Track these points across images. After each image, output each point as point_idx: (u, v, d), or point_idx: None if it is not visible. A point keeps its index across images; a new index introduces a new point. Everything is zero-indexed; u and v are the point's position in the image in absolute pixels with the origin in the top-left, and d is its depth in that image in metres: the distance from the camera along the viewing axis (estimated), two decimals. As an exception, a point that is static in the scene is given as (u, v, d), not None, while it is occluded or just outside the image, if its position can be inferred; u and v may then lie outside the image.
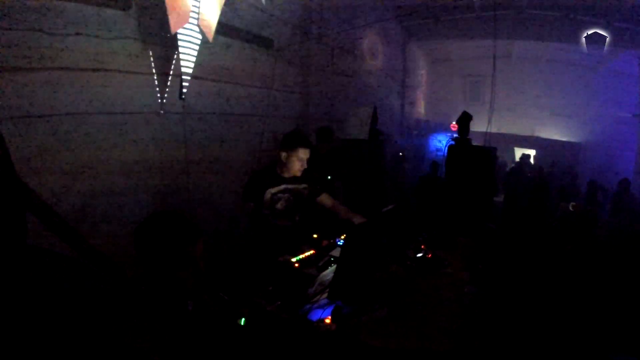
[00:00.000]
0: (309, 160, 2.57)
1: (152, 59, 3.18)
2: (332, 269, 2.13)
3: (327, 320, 1.67)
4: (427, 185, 6.29)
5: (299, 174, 2.57)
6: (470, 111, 4.70)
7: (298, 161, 2.51)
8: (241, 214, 2.61)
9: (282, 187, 2.57)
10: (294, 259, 2.32)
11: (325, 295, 1.82)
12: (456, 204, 4.45)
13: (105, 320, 1.33)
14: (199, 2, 3.07)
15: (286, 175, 2.57)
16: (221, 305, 1.63)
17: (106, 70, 2.85)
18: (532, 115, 12.65)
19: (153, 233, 1.25)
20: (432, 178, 6.36)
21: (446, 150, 4.71)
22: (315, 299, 1.83)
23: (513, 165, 10.53)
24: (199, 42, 3.22)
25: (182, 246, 1.25)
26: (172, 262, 1.24)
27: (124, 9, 2.94)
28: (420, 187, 6.45)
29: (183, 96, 3.28)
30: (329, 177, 4.16)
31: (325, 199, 2.73)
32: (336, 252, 2.39)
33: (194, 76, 3.29)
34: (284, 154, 2.52)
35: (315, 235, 2.71)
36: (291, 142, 2.52)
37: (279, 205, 2.56)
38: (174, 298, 1.29)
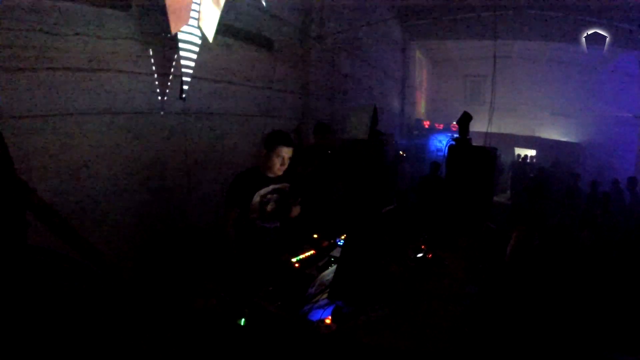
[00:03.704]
0: (290, 160, 2.46)
1: (152, 59, 3.18)
2: (332, 269, 2.13)
3: (328, 321, 1.67)
4: (428, 185, 6.29)
5: (280, 173, 2.47)
6: (470, 111, 4.70)
7: (277, 159, 2.40)
8: (224, 222, 2.36)
9: (271, 187, 2.46)
10: (294, 259, 2.32)
11: (326, 295, 1.82)
12: (456, 204, 4.45)
13: (107, 320, 1.33)
14: (199, 2, 3.07)
15: (271, 175, 2.46)
16: (221, 305, 1.63)
17: (106, 70, 2.85)
18: (532, 115, 12.67)
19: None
20: (433, 178, 6.36)
21: (446, 151, 4.71)
22: (315, 299, 1.83)
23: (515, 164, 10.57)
24: (199, 42, 3.22)
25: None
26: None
27: (124, 9, 2.94)
28: (421, 187, 6.45)
29: (183, 96, 3.28)
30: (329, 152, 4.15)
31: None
32: (336, 252, 2.40)
33: (194, 76, 3.29)
34: (264, 152, 2.44)
35: (315, 236, 2.71)
36: (271, 140, 2.43)
37: (268, 207, 2.46)
38: (175, 299, 1.29)
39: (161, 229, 3.35)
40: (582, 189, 7.03)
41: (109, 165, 2.92)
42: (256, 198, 2.40)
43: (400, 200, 5.11)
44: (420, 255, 2.53)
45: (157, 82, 3.24)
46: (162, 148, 3.36)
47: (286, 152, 2.41)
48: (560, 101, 12.10)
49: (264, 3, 3.84)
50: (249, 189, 2.39)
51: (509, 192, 9.79)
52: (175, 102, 3.36)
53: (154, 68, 3.20)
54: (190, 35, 3.13)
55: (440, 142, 10.19)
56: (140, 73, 3.11)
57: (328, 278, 1.98)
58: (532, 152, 12.35)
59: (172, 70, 3.29)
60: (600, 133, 11.05)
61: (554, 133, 12.44)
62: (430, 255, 2.53)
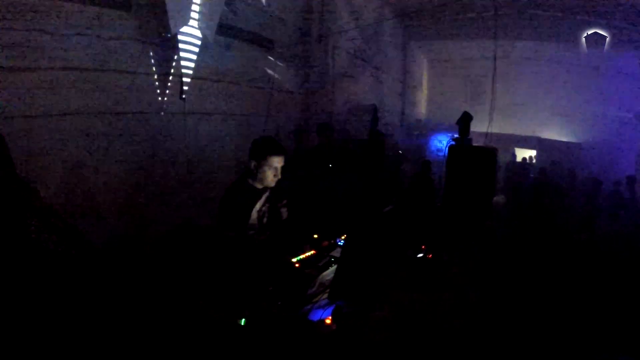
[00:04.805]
0: (282, 169, 2.25)
1: (152, 59, 3.18)
2: (332, 269, 2.13)
3: (328, 321, 1.67)
4: (418, 184, 6.28)
5: (272, 184, 2.26)
6: (470, 111, 4.69)
7: (270, 170, 2.20)
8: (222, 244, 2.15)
9: (263, 199, 2.31)
10: (294, 259, 2.32)
11: (326, 295, 1.82)
12: (456, 204, 4.45)
13: (107, 319, 1.33)
14: (199, 2, 3.07)
15: (260, 186, 2.27)
16: (221, 305, 1.63)
17: (106, 70, 2.85)
18: (532, 115, 12.63)
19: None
20: (423, 177, 6.34)
21: (447, 151, 4.70)
22: (315, 299, 1.83)
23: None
24: (199, 42, 3.22)
25: None
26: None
27: (124, 9, 2.94)
28: (411, 186, 6.43)
29: (183, 96, 3.29)
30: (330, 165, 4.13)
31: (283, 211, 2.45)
32: (336, 252, 2.39)
33: (194, 76, 3.29)
34: (253, 163, 2.21)
35: (315, 236, 2.71)
36: (261, 149, 2.21)
37: (264, 220, 2.34)
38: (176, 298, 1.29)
39: (161, 229, 3.35)
40: (580, 190, 7.02)
41: (108, 165, 2.92)
42: (254, 215, 2.25)
43: (400, 200, 5.10)
44: (420, 255, 2.53)
45: (157, 82, 3.24)
46: (162, 148, 3.36)
47: (278, 161, 2.22)
48: (560, 101, 12.07)
49: (264, 3, 3.84)
50: (244, 208, 2.21)
51: (508, 193, 9.76)
52: (175, 102, 3.36)
53: (154, 68, 3.21)
54: (190, 35, 3.14)
55: (441, 142, 10.16)
56: (140, 73, 3.11)
57: (328, 278, 1.98)
58: (532, 153, 12.33)
59: (172, 70, 3.29)
60: (600, 133, 11.03)
61: (554, 133, 12.42)
62: (430, 256, 2.53)
